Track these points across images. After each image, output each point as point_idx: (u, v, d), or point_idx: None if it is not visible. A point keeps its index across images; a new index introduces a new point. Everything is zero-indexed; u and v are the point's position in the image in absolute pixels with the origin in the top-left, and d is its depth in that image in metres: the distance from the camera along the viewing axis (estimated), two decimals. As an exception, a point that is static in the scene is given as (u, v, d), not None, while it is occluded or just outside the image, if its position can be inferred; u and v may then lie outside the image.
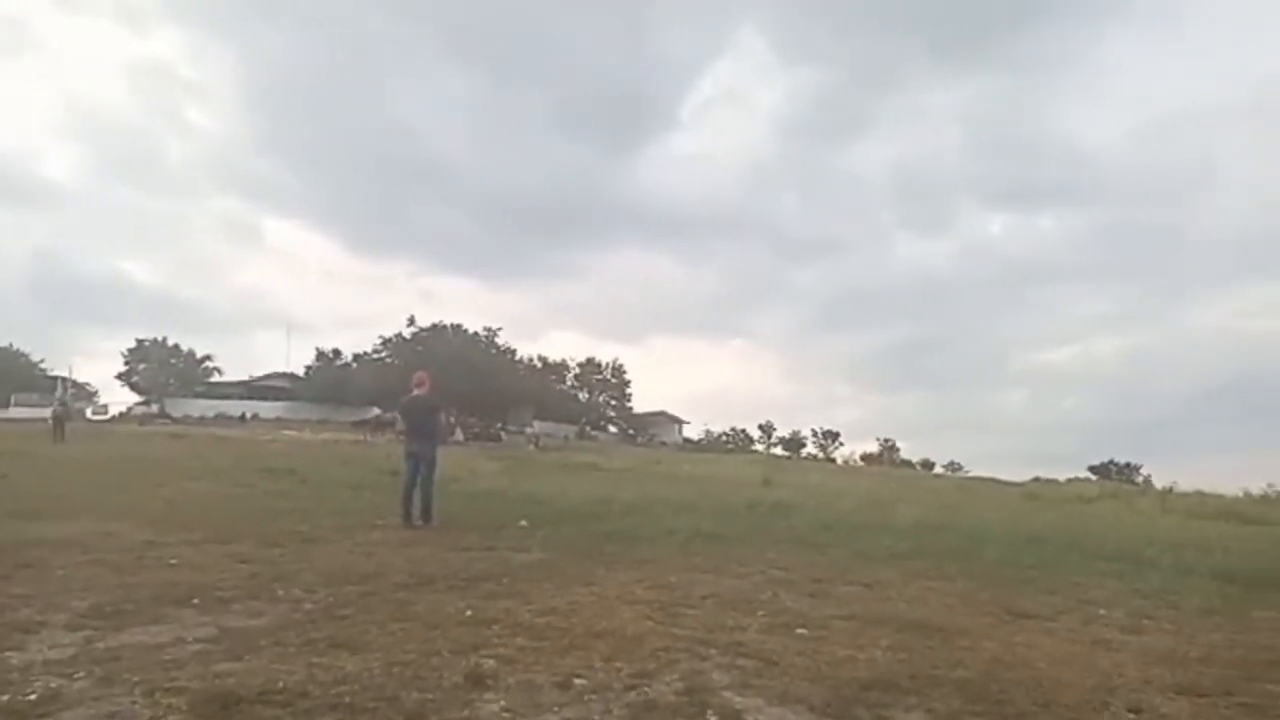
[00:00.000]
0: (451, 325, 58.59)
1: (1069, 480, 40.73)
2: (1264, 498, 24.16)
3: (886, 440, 74.48)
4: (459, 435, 39.36)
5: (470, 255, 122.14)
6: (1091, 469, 55.65)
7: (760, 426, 78.05)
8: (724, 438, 75.82)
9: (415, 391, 10.37)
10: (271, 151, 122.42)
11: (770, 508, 13.19)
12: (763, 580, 6.75)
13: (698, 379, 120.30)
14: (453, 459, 19.96)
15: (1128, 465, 56.56)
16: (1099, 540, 10.56)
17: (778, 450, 72.81)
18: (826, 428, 76.56)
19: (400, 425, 10.68)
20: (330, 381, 59.82)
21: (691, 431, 76.89)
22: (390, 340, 57.37)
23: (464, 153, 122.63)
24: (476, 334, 58.89)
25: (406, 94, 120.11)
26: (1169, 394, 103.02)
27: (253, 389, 64.51)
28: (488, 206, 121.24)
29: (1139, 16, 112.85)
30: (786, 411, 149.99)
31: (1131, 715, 3.71)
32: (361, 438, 33.22)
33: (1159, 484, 34.46)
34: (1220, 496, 24.28)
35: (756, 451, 69.08)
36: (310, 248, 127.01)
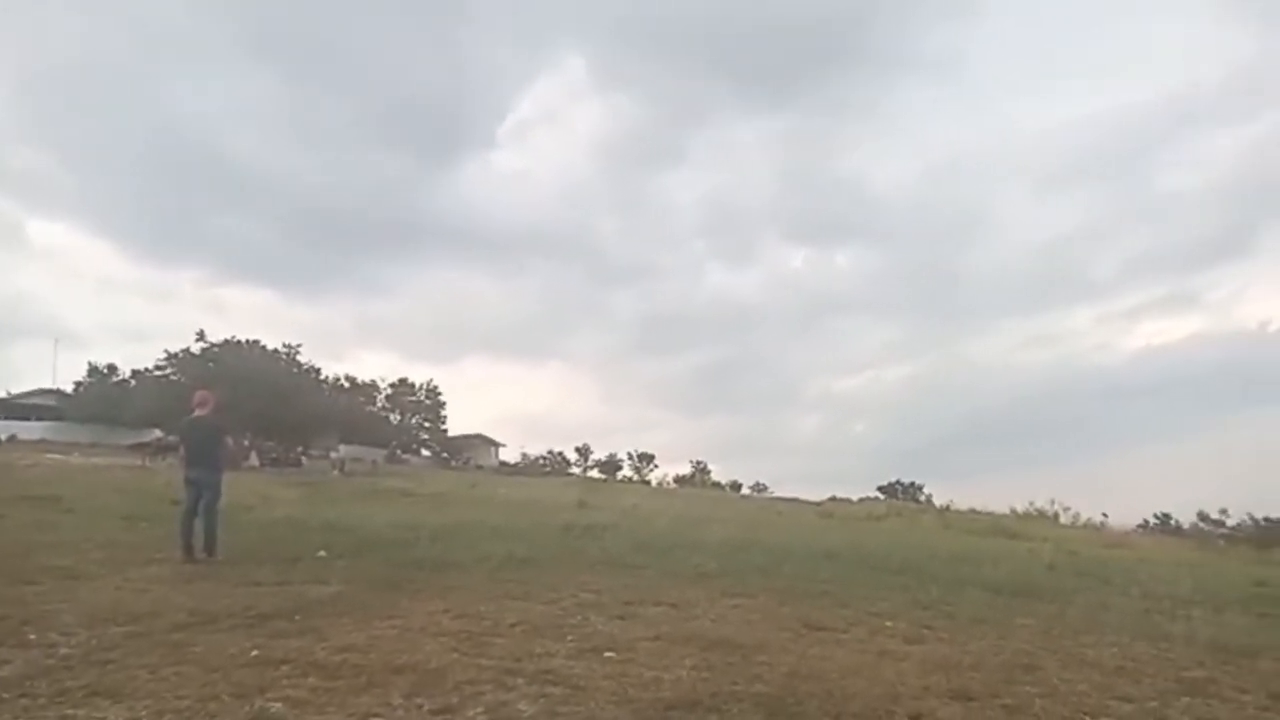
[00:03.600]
0: (247, 340, 54.46)
1: (861, 499, 43.88)
2: (1026, 515, 27.31)
3: (699, 462, 76.74)
4: (253, 460, 36.69)
5: (269, 266, 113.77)
6: (880, 489, 59.51)
7: (577, 449, 78.16)
8: (541, 460, 75.28)
9: (197, 412, 9.57)
10: (38, 144, 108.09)
11: (584, 530, 13.22)
12: (574, 604, 6.70)
13: (515, 401, 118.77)
14: (246, 486, 18.59)
15: (912, 485, 60.94)
16: (886, 555, 11.40)
17: (594, 473, 73.19)
18: (642, 450, 77.73)
19: (183, 450, 9.81)
20: (104, 400, 53.88)
21: (508, 454, 75.80)
22: (176, 355, 52.25)
23: (262, 156, 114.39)
24: (275, 350, 54.92)
25: (197, 90, 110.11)
26: (948, 419, 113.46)
27: (11, 407, 56.97)
28: (289, 214, 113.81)
29: (922, 69, 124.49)
30: (603, 434, 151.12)
31: (911, 720, 3.98)
32: (140, 462, 30.23)
33: (939, 502, 37.91)
34: (991, 514, 27.13)
35: (573, 474, 69.13)
36: (83, 252, 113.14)
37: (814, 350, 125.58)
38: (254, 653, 4.64)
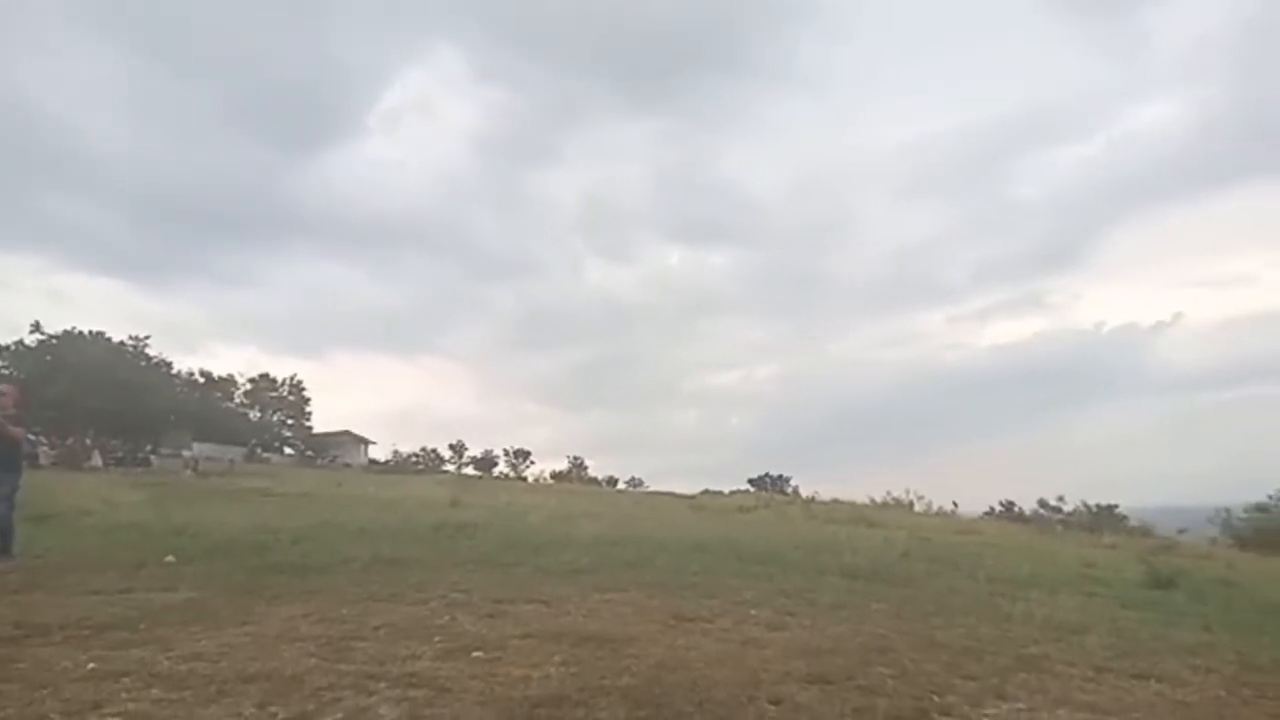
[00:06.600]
0: (90, 332, 50.63)
1: (731, 492, 45.19)
2: (885, 504, 28.76)
3: (575, 458, 76.52)
4: (96, 460, 34.13)
5: (116, 254, 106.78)
6: (750, 481, 61.29)
7: (451, 446, 76.34)
8: (413, 458, 73.24)
9: (10, 410, 9.07)
10: None
11: (456, 529, 12.96)
12: (442, 605, 6.56)
13: (386, 397, 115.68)
14: (87, 488, 17.32)
15: (780, 477, 62.76)
16: (753, 546, 11.74)
17: (469, 470, 71.81)
18: (518, 446, 76.71)
19: None
20: (-81, 397, 49.00)
21: (378, 452, 73.42)
22: (8, 348, 48.22)
23: (108, 138, 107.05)
24: (121, 343, 51.37)
25: (31, 64, 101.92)
26: (814, 414, 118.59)
27: None
28: (139, 200, 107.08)
29: (792, 81, 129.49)
30: (479, 430, 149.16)
31: (773, 706, 4.11)
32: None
33: (805, 494, 39.26)
34: (852, 504, 28.35)
35: (447, 471, 67.59)
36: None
37: (690, 348, 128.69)
38: (90, 665, 4.34)
